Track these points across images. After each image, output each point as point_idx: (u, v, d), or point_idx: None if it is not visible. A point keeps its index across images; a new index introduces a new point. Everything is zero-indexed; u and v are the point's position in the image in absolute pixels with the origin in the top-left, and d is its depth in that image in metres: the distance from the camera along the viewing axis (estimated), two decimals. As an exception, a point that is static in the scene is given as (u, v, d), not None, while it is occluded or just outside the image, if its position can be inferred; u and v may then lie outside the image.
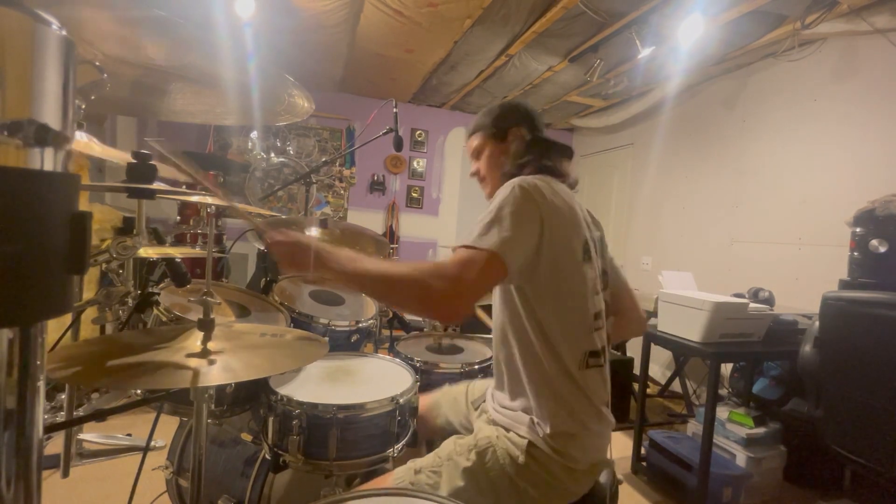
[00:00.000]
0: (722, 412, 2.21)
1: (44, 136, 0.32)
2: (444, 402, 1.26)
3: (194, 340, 0.79)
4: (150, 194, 1.03)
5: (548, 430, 0.91)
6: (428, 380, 1.41)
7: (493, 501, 0.91)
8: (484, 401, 1.13)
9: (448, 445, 1.00)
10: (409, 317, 1.77)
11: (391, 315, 1.75)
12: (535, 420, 0.92)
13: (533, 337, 0.93)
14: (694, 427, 2.37)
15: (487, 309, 1.23)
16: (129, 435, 2.15)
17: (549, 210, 0.90)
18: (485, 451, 0.94)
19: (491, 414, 1.02)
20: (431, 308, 0.84)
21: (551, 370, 0.92)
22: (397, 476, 0.96)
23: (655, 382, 3.58)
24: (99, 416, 1.96)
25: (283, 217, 1.89)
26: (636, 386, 2.92)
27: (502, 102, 1.16)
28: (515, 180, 0.92)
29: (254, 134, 4.16)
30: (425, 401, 1.28)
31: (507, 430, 0.96)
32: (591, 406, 0.95)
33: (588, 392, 0.94)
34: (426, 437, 1.31)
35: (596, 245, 1.03)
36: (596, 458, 0.96)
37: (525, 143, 1.07)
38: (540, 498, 0.90)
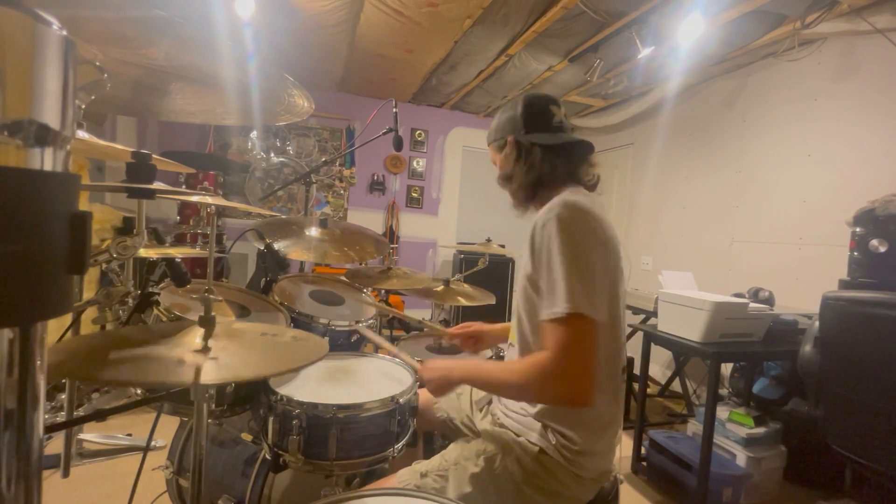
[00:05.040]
0: (722, 412, 2.21)
1: (44, 136, 0.32)
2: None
3: (194, 338, 0.79)
4: (150, 194, 1.02)
5: (562, 441, 0.90)
6: (428, 380, 1.41)
7: None
8: (489, 402, 1.12)
9: (455, 449, 0.99)
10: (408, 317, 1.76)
11: (391, 315, 1.75)
12: (550, 428, 0.91)
13: None
14: (694, 427, 2.37)
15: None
16: (129, 435, 2.15)
17: (603, 228, 0.87)
18: (493, 458, 0.93)
19: (499, 417, 1.01)
20: (560, 405, 0.88)
21: (601, 390, 0.90)
22: (401, 478, 0.96)
23: (655, 382, 3.58)
24: (99, 416, 1.97)
25: (283, 217, 1.89)
26: (636, 386, 2.92)
27: (506, 103, 1.05)
28: (555, 207, 0.85)
29: (254, 134, 4.17)
30: (426, 393, 1.27)
31: (517, 435, 0.95)
32: (607, 423, 0.94)
33: (613, 406, 0.94)
34: (424, 429, 1.30)
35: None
36: (605, 468, 0.95)
37: (525, 151, 1.00)
38: None
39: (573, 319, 0.78)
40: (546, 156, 0.98)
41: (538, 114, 1.01)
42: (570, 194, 0.91)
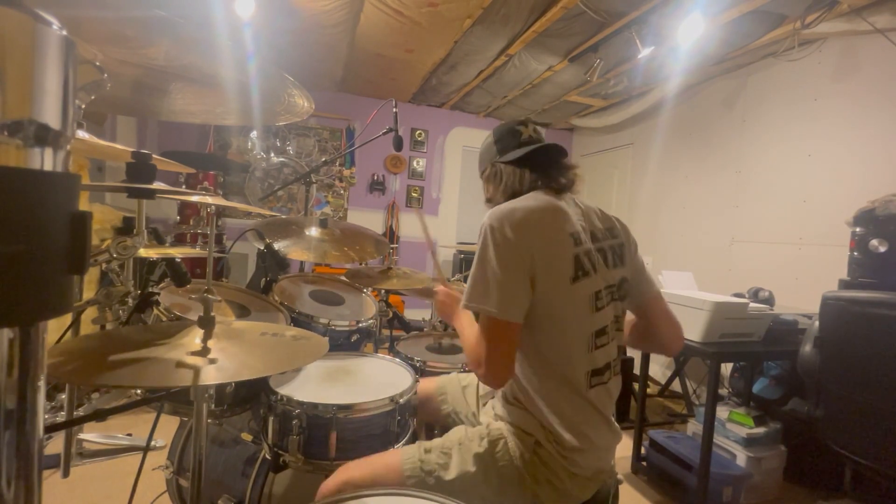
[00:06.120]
0: (722, 412, 2.21)
1: (44, 136, 0.32)
2: (450, 389, 1.25)
3: (194, 339, 0.79)
4: (150, 194, 1.03)
5: (553, 436, 0.91)
6: (428, 380, 1.41)
7: (497, 489, 0.91)
8: (492, 396, 1.12)
9: (458, 431, 1.00)
10: (409, 317, 1.77)
11: (391, 315, 1.76)
12: (541, 423, 0.92)
13: (531, 360, 0.93)
14: (694, 427, 2.37)
15: None
16: (129, 435, 2.15)
17: (528, 238, 0.89)
18: (496, 441, 0.95)
19: (499, 409, 1.02)
20: (484, 382, 0.99)
21: (555, 390, 0.92)
22: (406, 455, 0.95)
23: (655, 382, 3.58)
24: (99, 416, 1.96)
25: (283, 217, 1.89)
26: (636, 386, 2.92)
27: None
28: (485, 220, 0.92)
29: (254, 134, 4.17)
30: (429, 384, 1.27)
31: (515, 426, 0.96)
32: (598, 423, 0.94)
33: (594, 410, 0.94)
34: (425, 420, 1.30)
35: (606, 256, 0.98)
36: (601, 467, 0.96)
37: (497, 172, 1.07)
38: (543, 496, 0.90)
39: (493, 322, 0.89)
40: (515, 169, 1.04)
41: (507, 137, 1.09)
42: (511, 202, 0.95)
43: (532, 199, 0.96)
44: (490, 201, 1.10)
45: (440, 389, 1.26)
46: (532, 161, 1.04)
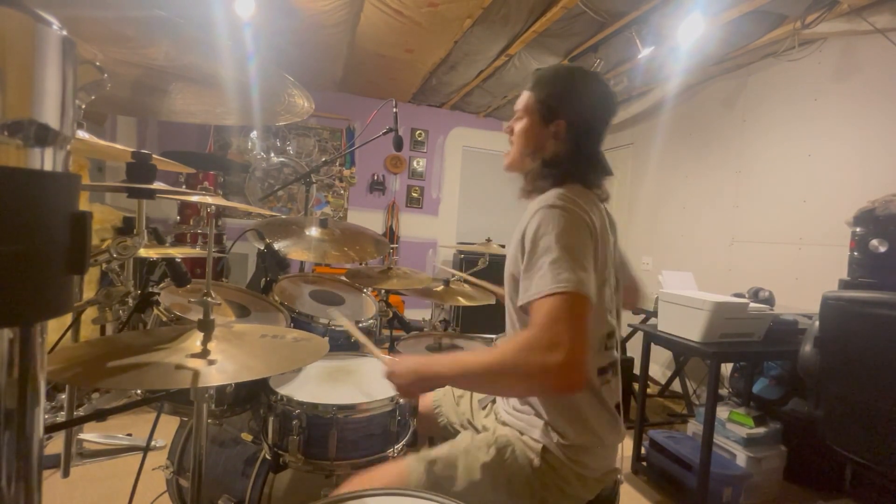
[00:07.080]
0: (722, 412, 2.21)
1: (44, 136, 0.32)
2: (444, 401, 1.25)
3: (194, 341, 0.79)
4: (150, 194, 1.03)
5: (562, 440, 0.90)
6: (428, 380, 1.41)
7: (506, 498, 0.90)
8: (493, 401, 1.12)
9: (465, 439, 0.99)
10: (409, 317, 1.76)
11: (391, 315, 1.75)
12: (550, 427, 0.91)
13: None
14: (694, 427, 2.37)
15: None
16: (129, 435, 2.15)
17: (590, 216, 0.87)
18: (504, 448, 0.93)
19: (502, 416, 1.01)
20: (546, 386, 0.77)
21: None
22: (410, 466, 0.94)
23: (655, 382, 3.58)
24: (99, 416, 1.97)
25: (283, 217, 1.89)
26: (636, 386, 2.92)
27: (574, 71, 0.99)
28: (542, 203, 0.86)
29: (254, 134, 4.17)
30: (426, 399, 1.27)
31: (521, 433, 0.95)
32: (606, 419, 0.94)
33: (603, 406, 0.94)
34: (427, 434, 1.31)
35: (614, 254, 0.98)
36: (608, 467, 0.95)
37: (566, 148, 0.96)
38: (550, 501, 0.90)
39: (569, 297, 0.76)
40: (592, 159, 0.98)
41: (606, 109, 1.01)
42: (566, 189, 0.91)
43: (587, 193, 0.94)
44: (541, 149, 0.97)
45: (435, 403, 1.26)
46: (594, 171, 0.98)
